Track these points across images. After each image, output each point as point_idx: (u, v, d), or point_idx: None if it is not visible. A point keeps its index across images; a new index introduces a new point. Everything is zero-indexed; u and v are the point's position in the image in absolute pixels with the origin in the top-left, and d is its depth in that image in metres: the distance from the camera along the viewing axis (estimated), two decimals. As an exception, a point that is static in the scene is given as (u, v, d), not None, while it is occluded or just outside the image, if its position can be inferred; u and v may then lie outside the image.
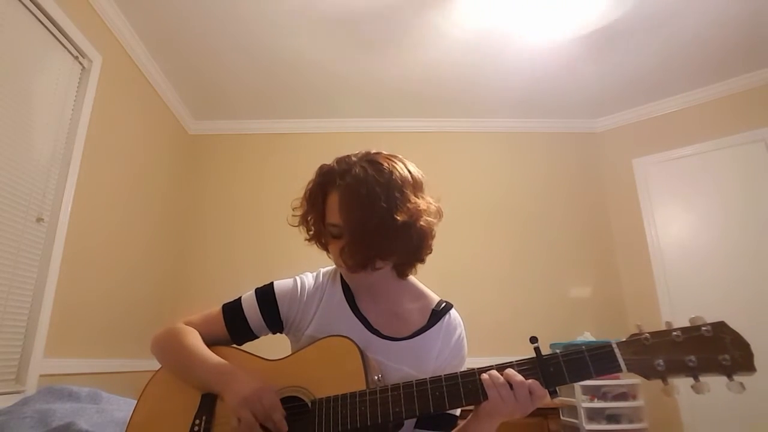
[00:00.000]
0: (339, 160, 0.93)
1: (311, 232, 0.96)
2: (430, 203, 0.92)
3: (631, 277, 3.24)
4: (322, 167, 0.94)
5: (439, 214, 0.93)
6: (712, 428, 2.71)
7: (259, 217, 3.33)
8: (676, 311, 2.99)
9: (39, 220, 1.91)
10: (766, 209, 2.85)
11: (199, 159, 3.45)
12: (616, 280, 3.26)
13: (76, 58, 2.12)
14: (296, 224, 0.97)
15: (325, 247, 0.96)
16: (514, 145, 3.54)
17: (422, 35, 2.60)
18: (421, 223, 0.87)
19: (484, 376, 0.77)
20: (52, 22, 1.94)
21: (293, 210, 0.97)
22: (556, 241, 3.31)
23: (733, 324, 0.70)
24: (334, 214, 0.89)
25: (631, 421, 2.65)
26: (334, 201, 0.89)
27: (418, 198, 0.89)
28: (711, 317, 0.71)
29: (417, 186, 0.92)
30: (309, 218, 0.95)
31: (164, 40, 2.63)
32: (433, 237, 0.92)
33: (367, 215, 0.84)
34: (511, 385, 0.75)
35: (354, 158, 0.92)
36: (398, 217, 0.84)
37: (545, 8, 2.39)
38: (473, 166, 3.45)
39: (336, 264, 0.95)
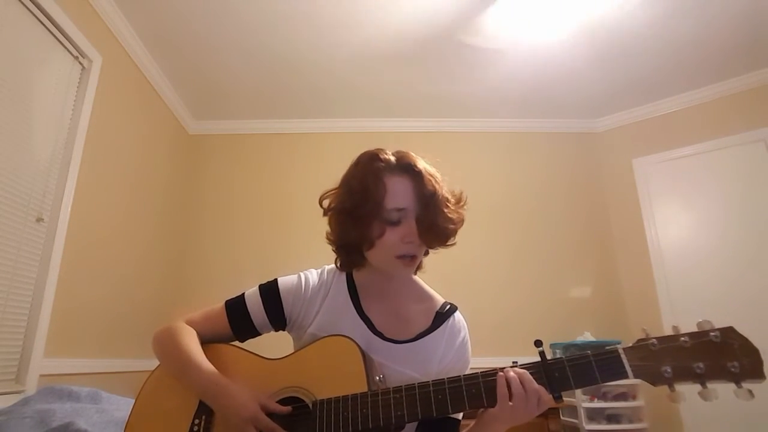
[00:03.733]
0: (379, 150, 0.95)
1: (354, 222, 0.90)
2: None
3: (631, 277, 3.24)
4: (373, 153, 0.94)
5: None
6: (712, 428, 2.71)
7: (258, 217, 3.33)
8: (676, 311, 2.99)
9: (39, 220, 1.91)
10: (766, 209, 2.85)
11: (199, 159, 3.45)
12: (616, 280, 3.26)
13: (76, 58, 2.12)
14: (334, 220, 0.94)
15: (370, 239, 0.89)
16: (514, 145, 3.54)
17: (424, 36, 2.60)
18: (461, 210, 0.94)
19: (500, 377, 0.76)
20: (52, 22, 1.94)
21: (327, 208, 0.95)
22: (556, 241, 3.31)
23: (732, 323, 0.69)
24: (400, 198, 0.88)
25: (631, 421, 2.65)
26: (400, 183, 0.89)
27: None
28: (711, 317, 0.70)
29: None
30: (356, 208, 0.89)
31: (164, 40, 2.63)
32: None
33: (439, 195, 0.89)
34: (525, 391, 0.74)
35: (391, 151, 0.95)
36: (451, 200, 0.92)
37: (545, 8, 2.39)
38: (473, 166, 3.44)
39: (387, 254, 0.90)
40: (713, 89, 3.10)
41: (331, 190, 0.96)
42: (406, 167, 0.91)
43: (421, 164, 0.92)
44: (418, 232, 0.88)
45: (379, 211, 0.88)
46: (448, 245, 0.94)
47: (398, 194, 0.89)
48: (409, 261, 0.90)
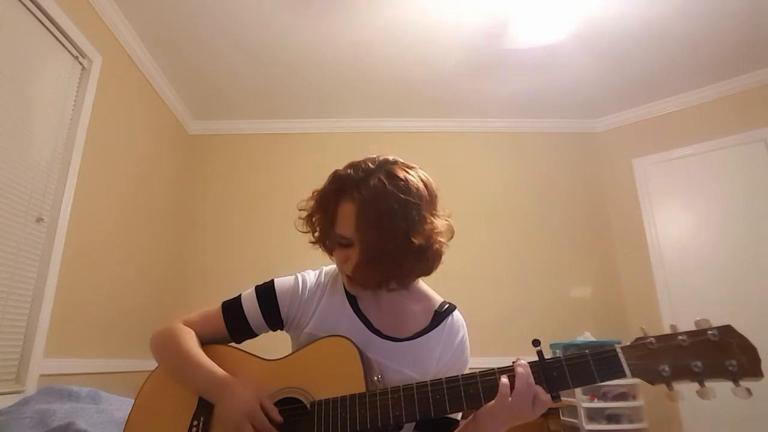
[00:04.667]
0: (355, 167, 0.87)
1: (317, 235, 0.93)
2: (444, 221, 0.89)
3: (631, 277, 3.23)
4: (336, 173, 0.89)
5: (450, 232, 0.90)
6: (712, 428, 2.71)
7: (258, 217, 3.33)
8: (676, 311, 2.99)
9: (39, 220, 1.91)
10: (766, 209, 2.85)
11: (199, 159, 3.45)
12: (616, 280, 3.26)
13: (76, 58, 2.12)
14: (303, 229, 0.94)
15: (329, 251, 0.93)
16: (514, 145, 3.54)
17: (423, 36, 2.60)
18: (436, 246, 0.85)
19: (503, 380, 0.75)
20: (52, 22, 1.94)
21: (299, 211, 0.94)
22: (555, 241, 3.31)
23: (732, 323, 0.69)
24: (346, 226, 0.85)
25: (631, 421, 2.65)
26: (347, 211, 0.84)
27: (433, 218, 0.86)
28: (711, 317, 0.70)
29: (432, 202, 0.88)
30: (315, 220, 0.91)
31: (164, 40, 2.63)
32: (439, 260, 0.90)
33: (385, 236, 0.81)
34: (524, 386, 0.74)
35: (371, 165, 0.87)
36: (415, 240, 0.81)
37: (545, 8, 2.39)
38: (473, 166, 3.44)
39: (339, 270, 0.94)
40: (713, 89, 3.10)
41: (309, 197, 0.95)
42: (354, 192, 0.84)
43: (375, 186, 0.82)
44: (353, 271, 0.87)
45: (331, 233, 0.89)
46: (427, 274, 0.90)
47: (344, 221, 0.85)
48: (367, 288, 0.90)
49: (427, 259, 0.85)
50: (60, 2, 1.96)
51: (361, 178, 0.85)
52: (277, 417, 0.82)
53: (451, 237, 0.90)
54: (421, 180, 0.87)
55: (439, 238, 0.85)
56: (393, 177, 0.84)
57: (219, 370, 0.88)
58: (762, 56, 2.83)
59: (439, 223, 0.86)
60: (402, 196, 0.82)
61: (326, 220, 0.89)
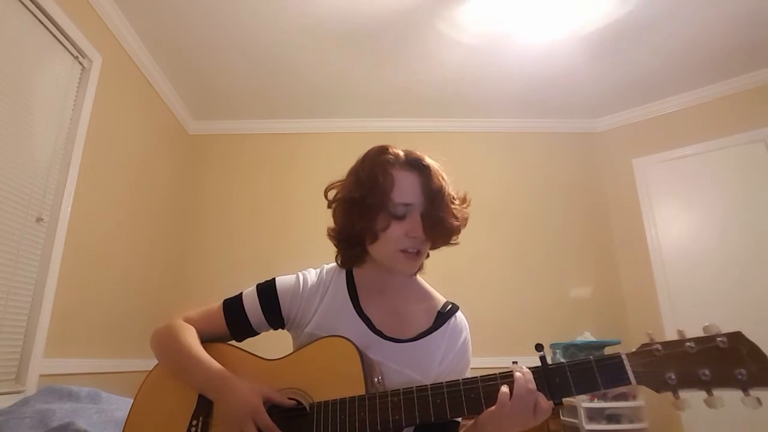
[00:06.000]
0: (387, 145, 0.95)
1: (360, 215, 0.89)
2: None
3: (631, 277, 3.24)
4: (382, 148, 0.94)
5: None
6: (712, 428, 2.71)
7: (258, 217, 3.33)
8: (676, 311, 2.99)
9: (39, 220, 1.90)
10: (766, 209, 2.85)
11: (199, 159, 3.45)
12: (616, 280, 3.26)
13: (76, 58, 2.12)
14: (339, 211, 0.94)
15: (375, 231, 0.89)
16: (514, 145, 3.54)
17: (423, 36, 2.60)
18: (465, 209, 0.95)
19: (503, 389, 0.74)
20: (52, 22, 1.93)
21: (333, 200, 0.95)
22: (556, 241, 3.31)
23: (732, 323, 0.67)
24: (407, 193, 0.89)
25: (631, 421, 2.65)
26: (407, 178, 0.90)
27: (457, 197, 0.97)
28: (711, 317, 0.69)
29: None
30: (363, 201, 0.89)
31: (164, 40, 2.63)
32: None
33: (445, 192, 0.90)
34: (525, 392, 0.73)
35: (399, 148, 0.96)
36: (457, 199, 0.94)
37: (545, 8, 2.39)
38: (473, 166, 3.44)
39: (391, 248, 0.89)
40: (713, 89, 3.10)
41: (338, 182, 0.97)
42: (414, 162, 0.92)
43: (429, 161, 0.93)
44: (423, 227, 0.87)
45: (386, 204, 0.88)
46: (452, 244, 0.94)
47: (406, 189, 0.89)
48: (412, 256, 0.90)
49: (464, 217, 0.94)
50: (60, 2, 1.95)
51: (409, 151, 0.94)
52: (286, 402, 0.82)
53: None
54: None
55: (466, 210, 0.95)
56: (428, 156, 0.96)
57: (217, 366, 0.88)
58: (762, 56, 2.83)
59: (467, 197, 0.98)
60: (439, 166, 0.95)
61: (381, 193, 0.88)
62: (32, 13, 1.85)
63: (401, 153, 0.94)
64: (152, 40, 2.61)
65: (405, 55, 2.78)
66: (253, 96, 3.20)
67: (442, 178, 0.92)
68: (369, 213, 0.88)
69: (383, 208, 0.88)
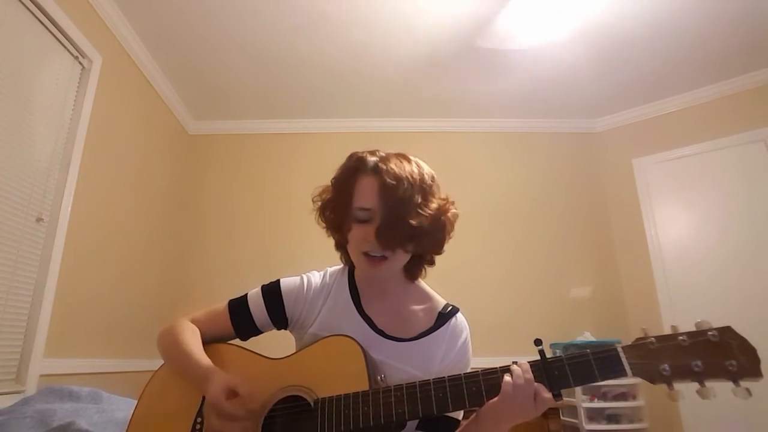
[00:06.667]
0: (369, 152, 0.96)
1: (332, 218, 0.96)
2: (450, 205, 0.96)
3: (631, 277, 3.24)
4: (353, 154, 0.96)
5: (455, 217, 0.96)
6: (712, 428, 2.71)
7: (259, 217, 3.33)
8: (676, 311, 2.99)
9: (39, 220, 1.91)
10: (766, 209, 2.85)
11: (199, 159, 3.45)
12: (616, 280, 3.26)
13: (76, 58, 2.12)
14: (322, 222, 0.99)
15: (344, 234, 0.95)
16: (514, 145, 3.54)
17: (423, 36, 2.61)
18: (448, 215, 0.93)
19: (506, 378, 0.76)
20: (52, 22, 1.94)
21: (314, 202, 0.99)
22: (556, 241, 3.31)
23: (732, 323, 0.69)
24: (366, 198, 0.90)
25: (631, 421, 2.65)
26: (368, 184, 0.91)
27: (440, 199, 0.95)
28: (711, 317, 0.71)
29: (437, 186, 0.97)
30: (332, 204, 0.96)
31: (164, 40, 2.63)
32: (450, 234, 0.95)
33: (407, 197, 0.88)
34: (525, 382, 0.75)
35: (382, 152, 0.96)
36: (432, 204, 0.91)
37: (545, 8, 2.39)
38: (473, 166, 3.44)
39: (355, 251, 0.93)
40: (713, 89, 3.10)
41: (321, 188, 1.01)
42: (374, 167, 0.92)
43: (393, 166, 0.91)
44: (377, 231, 0.88)
45: (349, 209, 0.92)
46: (433, 252, 0.96)
47: (365, 194, 0.91)
48: (375, 261, 0.91)
49: (440, 225, 0.92)
50: (60, 2, 1.96)
51: (381, 156, 0.94)
52: (235, 410, 0.81)
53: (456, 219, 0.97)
54: (426, 167, 0.97)
55: (451, 210, 0.94)
56: (406, 158, 0.95)
57: (205, 362, 0.90)
58: (762, 56, 2.83)
59: (447, 204, 0.95)
60: (417, 170, 0.92)
61: (345, 197, 0.92)
62: (32, 12, 1.85)
63: (371, 158, 0.94)
64: (152, 40, 2.62)
65: (405, 55, 2.78)
66: (253, 96, 3.21)
67: (409, 180, 0.89)
68: (338, 218, 0.95)
69: (347, 213, 0.92)
